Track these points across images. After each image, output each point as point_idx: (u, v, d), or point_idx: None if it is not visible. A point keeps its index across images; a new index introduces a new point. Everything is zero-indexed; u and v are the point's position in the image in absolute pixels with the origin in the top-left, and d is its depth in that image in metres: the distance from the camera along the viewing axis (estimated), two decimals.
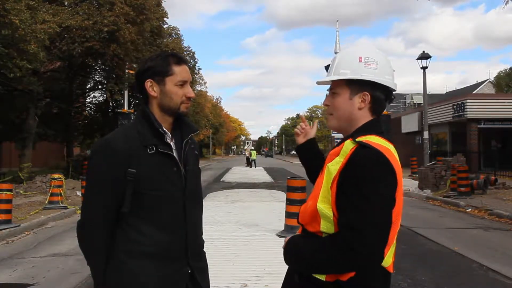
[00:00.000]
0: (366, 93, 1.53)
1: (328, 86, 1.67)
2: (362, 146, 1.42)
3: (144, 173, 1.66)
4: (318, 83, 1.73)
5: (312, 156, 1.93)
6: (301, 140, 1.97)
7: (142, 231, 1.68)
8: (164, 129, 1.75)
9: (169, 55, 1.80)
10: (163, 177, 1.70)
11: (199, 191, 1.89)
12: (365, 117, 1.55)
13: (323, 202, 1.45)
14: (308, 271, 1.49)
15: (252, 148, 40.95)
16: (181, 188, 1.75)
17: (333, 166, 1.45)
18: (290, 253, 1.54)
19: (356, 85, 1.54)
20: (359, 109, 1.54)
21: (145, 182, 1.66)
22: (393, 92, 1.62)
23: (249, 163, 36.65)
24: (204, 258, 1.89)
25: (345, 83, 1.55)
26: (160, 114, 1.77)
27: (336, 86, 1.58)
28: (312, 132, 1.98)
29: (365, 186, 1.36)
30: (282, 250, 1.58)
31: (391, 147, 1.49)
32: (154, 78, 1.75)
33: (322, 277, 1.46)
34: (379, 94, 1.55)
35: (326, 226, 1.45)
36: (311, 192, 1.61)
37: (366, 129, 1.52)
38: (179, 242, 1.73)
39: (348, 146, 1.45)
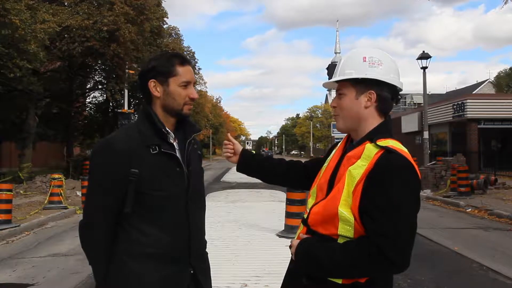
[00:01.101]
0: (372, 91, 1.55)
1: (328, 88, 1.68)
2: (388, 151, 1.43)
3: (146, 173, 1.65)
4: (324, 85, 1.75)
5: (258, 163, 1.95)
6: (235, 159, 1.98)
7: (144, 231, 1.68)
8: (167, 129, 1.75)
9: (173, 55, 1.79)
10: (166, 177, 1.70)
11: (202, 192, 1.89)
12: (372, 116, 1.56)
13: (343, 206, 1.44)
14: (327, 276, 1.47)
15: (251, 148, 41.00)
16: (184, 188, 1.74)
17: (356, 170, 1.44)
18: (306, 257, 1.50)
19: (362, 85, 1.55)
20: (365, 108, 1.56)
21: (147, 183, 1.66)
22: (399, 92, 1.63)
23: None
24: (206, 259, 1.89)
25: (351, 83, 1.57)
26: (163, 115, 1.76)
27: (343, 87, 1.59)
28: (236, 145, 1.99)
29: (397, 193, 1.38)
30: (292, 253, 1.55)
31: (407, 151, 1.50)
32: (157, 78, 1.75)
33: (338, 281, 1.46)
34: (385, 93, 1.56)
35: (345, 230, 1.45)
36: (318, 192, 1.59)
37: (382, 131, 1.53)
38: (181, 242, 1.72)
39: (372, 150, 1.45)
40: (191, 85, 1.79)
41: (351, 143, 1.60)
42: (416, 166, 1.45)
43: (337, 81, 1.62)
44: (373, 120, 1.56)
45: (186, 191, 1.75)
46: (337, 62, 1.68)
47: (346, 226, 1.44)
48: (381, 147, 1.44)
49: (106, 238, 1.69)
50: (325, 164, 1.66)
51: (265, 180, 1.98)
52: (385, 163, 1.40)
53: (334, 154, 1.65)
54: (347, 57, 1.62)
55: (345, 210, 1.44)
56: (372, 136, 1.50)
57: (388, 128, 1.57)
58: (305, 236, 1.56)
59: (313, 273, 1.50)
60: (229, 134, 2.13)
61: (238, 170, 1.99)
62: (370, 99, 1.55)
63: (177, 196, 1.72)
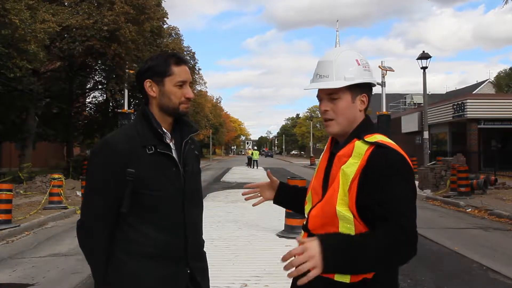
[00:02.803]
0: (365, 94, 1.60)
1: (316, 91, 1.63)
2: (379, 146, 1.47)
3: (143, 173, 1.66)
4: (318, 89, 1.64)
5: (293, 197, 1.93)
6: (269, 195, 1.96)
7: (141, 231, 1.68)
8: (164, 129, 1.75)
9: (169, 55, 1.80)
10: (162, 177, 1.70)
11: (199, 192, 1.89)
12: (361, 116, 1.61)
13: (341, 205, 1.47)
14: (364, 271, 1.42)
15: (255, 148, 40.81)
16: (180, 188, 1.74)
17: (349, 168, 1.47)
18: (341, 257, 1.34)
19: (357, 88, 1.58)
20: (359, 110, 1.59)
21: (144, 182, 1.66)
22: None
23: (250, 163, 36.48)
24: (204, 259, 1.89)
25: (347, 87, 1.56)
26: (159, 114, 1.77)
27: (338, 91, 1.56)
28: (273, 180, 1.95)
29: (399, 182, 1.43)
30: (314, 266, 1.30)
31: (395, 143, 1.55)
32: (153, 78, 1.75)
33: (346, 279, 1.45)
34: (370, 94, 1.63)
35: (346, 228, 1.46)
36: (313, 196, 1.61)
37: (367, 128, 1.56)
38: (178, 242, 1.72)
39: (362, 147, 1.48)
40: (187, 85, 1.79)
41: (337, 144, 1.63)
42: (407, 157, 1.50)
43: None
44: (361, 120, 1.60)
45: (182, 191, 1.75)
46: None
47: (346, 225, 1.46)
48: (371, 143, 1.48)
49: (104, 237, 1.69)
50: (316, 169, 1.69)
51: (298, 207, 1.89)
52: (380, 158, 1.45)
53: (322, 157, 1.69)
54: (340, 61, 1.58)
55: (343, 208, 1.46)
56: (358, 134, 1.54)
57: (371, 124, 1.61)
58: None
59: (350, 272, 1.43)
60: (269, 172, 2.04)
61: (275, 203, 2.00)
62: (363, 102, 1.60)
63: (174, 196, 1.72)
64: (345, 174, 1.47)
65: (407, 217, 1.40)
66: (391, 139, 1.57)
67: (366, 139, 1.49)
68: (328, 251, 1.31)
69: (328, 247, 1.32)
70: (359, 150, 1.48)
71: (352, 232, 1.45)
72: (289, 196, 1.95)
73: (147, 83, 1.76)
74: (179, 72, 1.76)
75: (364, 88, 1.59)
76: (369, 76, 1.60)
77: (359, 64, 1.58)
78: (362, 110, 1.60)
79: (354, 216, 1.45)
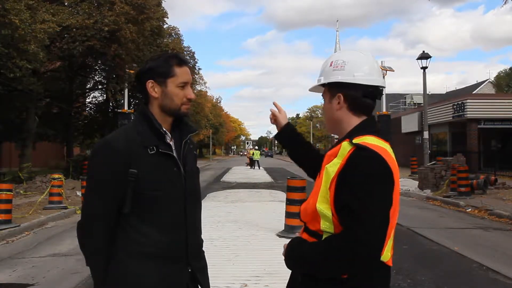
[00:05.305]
0: (339, 94, 1.60)
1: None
2: (359, 148, 1.45)
3: (144, 173, 1.66)
4: (311, 90, 1.83)
5: (292, 142, 1.97)
6: (278, 127, 2.02)
7: (142, 231, 1.68)
8: (165, 129, 1.76)
9: (171, 56, 1.80)
10: (164, 177, 1.70)
11: (198, 191, 1.89)
12: (347, 117, 1.60)
13: (322, 202, 1.49)
14: (315, 274, 1.50)
15: (257, 148, 40.63)
16: (181, 188, 1.75)
17: (331, 168, 1.49)
18: (292, 259, 1.56)
19: (332, 89, 1.63)
20: (337, 110, 1.62)
21: (145, 183, 1.66)
22: (382, 88, 1.65)
23: (252, 163, 36.22)
24: (203, 258, 1.90)
25: (327, 88, 1.67)
26: (160, 115, 1.77)
27: (323, 93, 1.70)
28: (279, 118, 2.00)
29: (364, 187, 1.40)
30: (284, 256, 1.60)
31: (387, 147, 1.52)
32: (155, 79, 1.75)
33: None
34: (353, 92, 1.58)
35: (326, 225, 1.49)
36: (312, 190, 1.64)
37: (361, 129, 1.56)
38: (179, 242, 1.73)
39: (346, 148, 1.49)
40: (188, 86, 1.80)
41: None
42: (390, 161, 1.46)
43: (312, 89, 1.76)
44: (351, 120, 1.60)
45: (183, 191, 1.75)
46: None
47: (326, 222, 1.48)
48: (354, 145, 1.47)
49: (104, 238, 1.68)
50: None
51: (292, 154, 1.99)
52: (354, 160, 1.43)
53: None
54: (322, 64, 1.70)
55: (324, 206, 1.48)
56: (350, 135, 1.54)
57: (368, 125, 1.58)
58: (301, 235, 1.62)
59: (302, 271, 1.55)
60: (276, 102, 2.12)
61: (275, 137, 2.07)
62: (339, 101, 1.61)
63: (175, 196, 1.73)
64: (327, 173, 1.49)
65: (365, 227, 1.36)
66: (391, 139, 1.59)
67: (353, 141, 1.48)
68: (286, 251, 1.57)
69: (287, 248, 1.57)
70: (343, 150, 1.48)
71: (332, 230, 1.47)
72: (290, 140, 1.97)
73: (149, 84, 1.76)
74: (181, 73, 1.76)
75: (338, 88, 1.60)
76: (339, 75, 1.59)
77: (330, 66, 1.63)
78: (341, 109, 1.59)
79: (332, 214, 1.46)
